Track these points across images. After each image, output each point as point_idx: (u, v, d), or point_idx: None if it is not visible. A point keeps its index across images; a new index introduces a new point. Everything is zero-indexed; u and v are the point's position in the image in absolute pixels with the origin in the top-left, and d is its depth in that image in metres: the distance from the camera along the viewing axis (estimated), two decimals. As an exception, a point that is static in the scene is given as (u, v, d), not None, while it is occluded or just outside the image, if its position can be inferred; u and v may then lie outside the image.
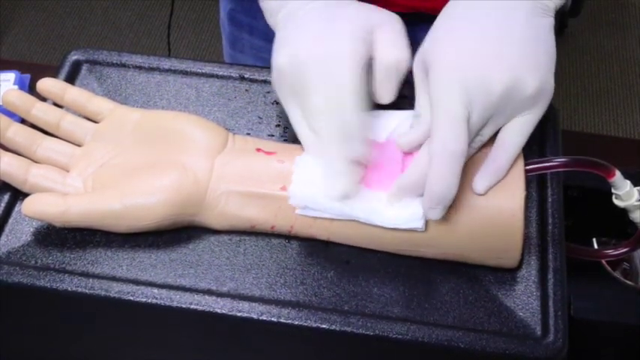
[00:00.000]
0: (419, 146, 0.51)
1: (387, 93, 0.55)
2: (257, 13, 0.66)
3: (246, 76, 0.63)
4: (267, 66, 0.61)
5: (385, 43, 0.54)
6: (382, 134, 0.54)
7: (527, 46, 0.52)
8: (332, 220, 0.52)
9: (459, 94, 0.49)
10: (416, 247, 0.52)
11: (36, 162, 0.56)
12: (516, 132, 0.52)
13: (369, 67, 0.54)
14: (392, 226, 0.50)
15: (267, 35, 0.72)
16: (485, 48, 0.51)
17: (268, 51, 0.56)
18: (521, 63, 0.51)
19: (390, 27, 0.55)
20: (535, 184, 0.56)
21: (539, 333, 0.49)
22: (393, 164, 0.52)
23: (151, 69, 0.64)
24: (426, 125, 0.51)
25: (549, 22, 0.54)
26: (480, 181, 0.51)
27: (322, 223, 0.52)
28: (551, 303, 0.50)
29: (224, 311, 0.49)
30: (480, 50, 0.51)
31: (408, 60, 0.55)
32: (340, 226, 0.52)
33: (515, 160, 0.52)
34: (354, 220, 0.51)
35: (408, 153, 0.52)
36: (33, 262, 0.52)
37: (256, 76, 0.63)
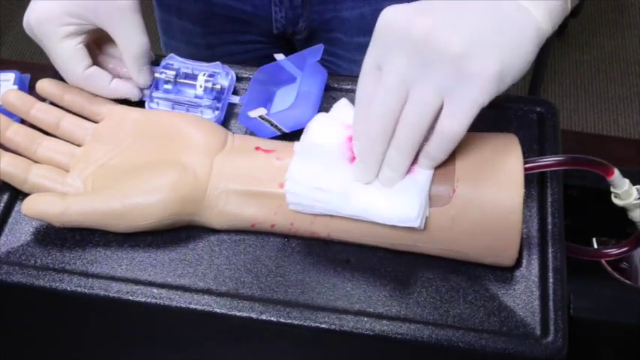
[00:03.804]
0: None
1: None
2: None
3: (244, 75, 0.63)
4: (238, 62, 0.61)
5: None
6: None
7: (483, 19, 0.48)
8: (332, 215, 0.52)
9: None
10: (414, 242, 0.51)
11: (36, 162, 0.56)
12: (453, 115, 0.48)
13: None
14: (389, 223, 0.50)
15: (195, 17, 0.69)
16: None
17: (198, 35, 0.53)
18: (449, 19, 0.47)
19: None
20: (535, 183, 0.56)
21: (538, 332, 0.49)
22: None
23: (151, 69, 0.64)
24: None
25: (529, 26, 0.48)
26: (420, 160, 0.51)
27: (323, 220, 0.52)
28: (551, 302, 0.50)
29: (223, 311, 0.49)
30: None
31: None
32: (341, 222, 0.52)
33: (514, 159, 0.52)
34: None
35: None
36: (32, 261, 0.52)
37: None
